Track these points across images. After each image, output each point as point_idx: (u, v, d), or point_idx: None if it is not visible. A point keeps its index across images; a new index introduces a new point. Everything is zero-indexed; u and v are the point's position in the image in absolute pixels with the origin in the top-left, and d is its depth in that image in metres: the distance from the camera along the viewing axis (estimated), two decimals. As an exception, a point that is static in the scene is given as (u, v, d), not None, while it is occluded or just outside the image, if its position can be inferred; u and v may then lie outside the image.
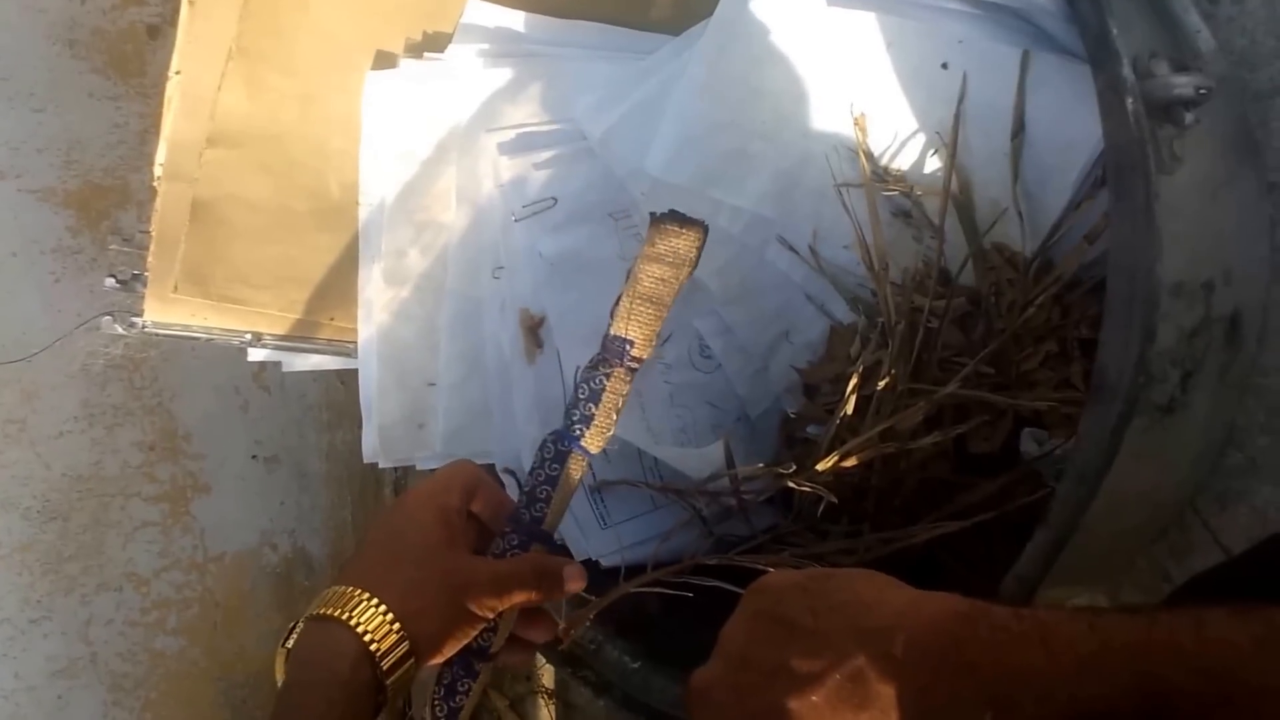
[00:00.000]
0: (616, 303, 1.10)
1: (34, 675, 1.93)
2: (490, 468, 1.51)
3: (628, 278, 1.10)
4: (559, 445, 1.14)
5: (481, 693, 1.18)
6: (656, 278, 1.07)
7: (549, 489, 1.14)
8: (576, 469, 1.14)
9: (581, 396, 1.12)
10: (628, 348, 1.09)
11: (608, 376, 1.11)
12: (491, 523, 1.17)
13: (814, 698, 0.74)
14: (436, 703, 1.15)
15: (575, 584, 1.13)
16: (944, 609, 0.73)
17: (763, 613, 0.83)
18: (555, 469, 1.14)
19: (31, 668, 1.93)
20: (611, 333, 1.10)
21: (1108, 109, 0.96)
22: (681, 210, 1.11)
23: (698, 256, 1.12)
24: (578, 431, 1.12)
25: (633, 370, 1.11)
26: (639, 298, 1.08)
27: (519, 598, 1.10)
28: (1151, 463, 1.06)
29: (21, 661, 1.92)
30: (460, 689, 1.15)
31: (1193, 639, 0.64)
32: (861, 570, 0.82)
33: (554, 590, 1.12)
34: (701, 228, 1.07)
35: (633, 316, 1.08)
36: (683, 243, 1.07)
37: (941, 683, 0.69)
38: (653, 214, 1.08)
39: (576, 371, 1.15)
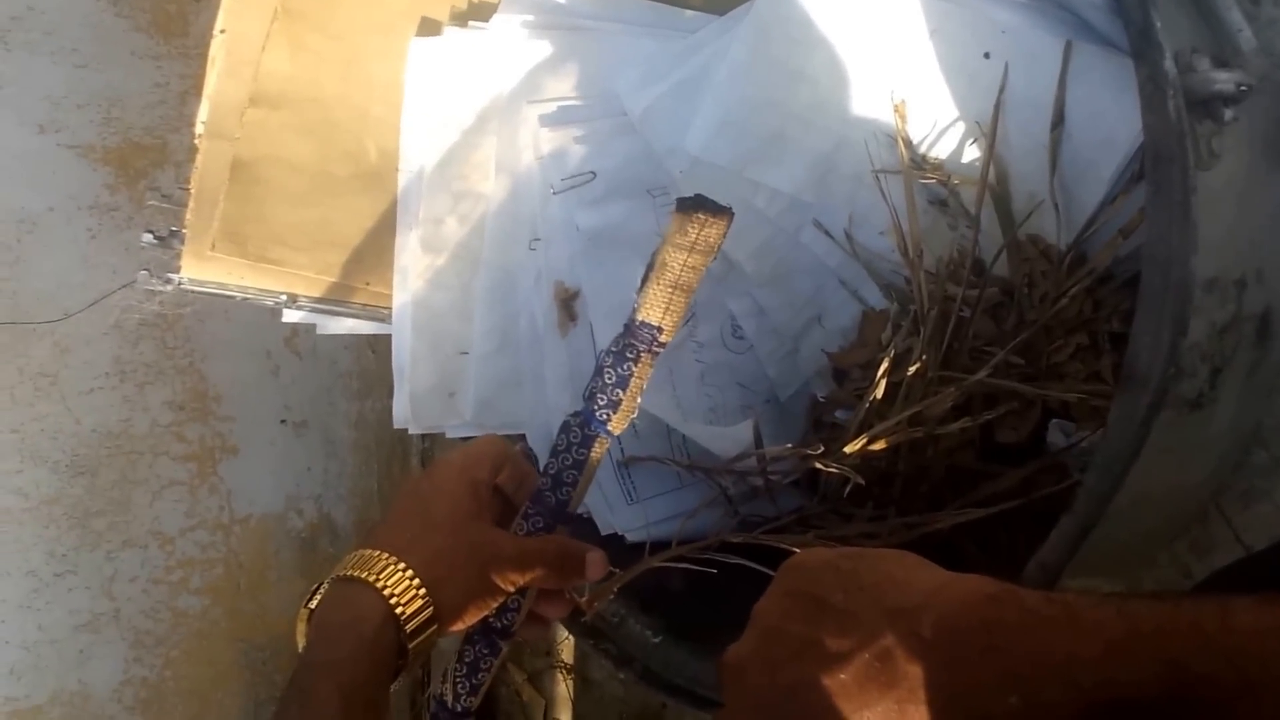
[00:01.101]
0: (642, 288, 1.10)
1: (57, 628, 1.94)
2: (521, 438, 1.51)
3: (652, 265, 1.09)
4: (585, 430, 1.14)
5: (500, 668, 1.18)
6: (686, 265, 1.07)
7: (575, 473, 1.15)
8: (600, 451, 1.15)
9: (609, 381, 1.12)
10: (656, 334, 1.09)
11: (635, 362, 1.10)
12: (515, 498, 1.17)
13: (842, 675, 0.74)
14: (459, 679, 1.16)
15: (595, 571, 1.14)
16: (974, 591, 0.74)
17: (795, 590, 0.83)
18: (582, 454, 1.14)
19: (55, 621, 1.94)
20: (639, 319, 1.09)
21: (1148, 101, 0.96)
22: (713, 194, 1.10)
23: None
24: (604, 416, 1.12)
25: (657, 355, 1.11)
26: (669, 285, 1.08)
27: (540, 576, 1.11)
28: (1177, 457, 1.06)
29: (45, 614, 1.93)
30: (483, 666, 1.16)
31: (1219, 626, 0.64)
32: (893, 551, 0.83)
33: (574, 574, 1.14)
34: (729, 215, 1.07)
35: (662, 304, 1.08)
36: (712, 231, 1.06)
37: (969, 664, 0.69)
38: (680, 200, 1.08)
39: (600, 354, 1.15)
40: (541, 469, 1.17)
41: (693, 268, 1.07)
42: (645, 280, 1.09)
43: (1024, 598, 0.71)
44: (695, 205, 1.06)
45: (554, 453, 1.15)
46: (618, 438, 1.15)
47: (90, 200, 1.98)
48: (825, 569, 0.83)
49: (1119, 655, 0.65)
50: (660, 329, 1.08)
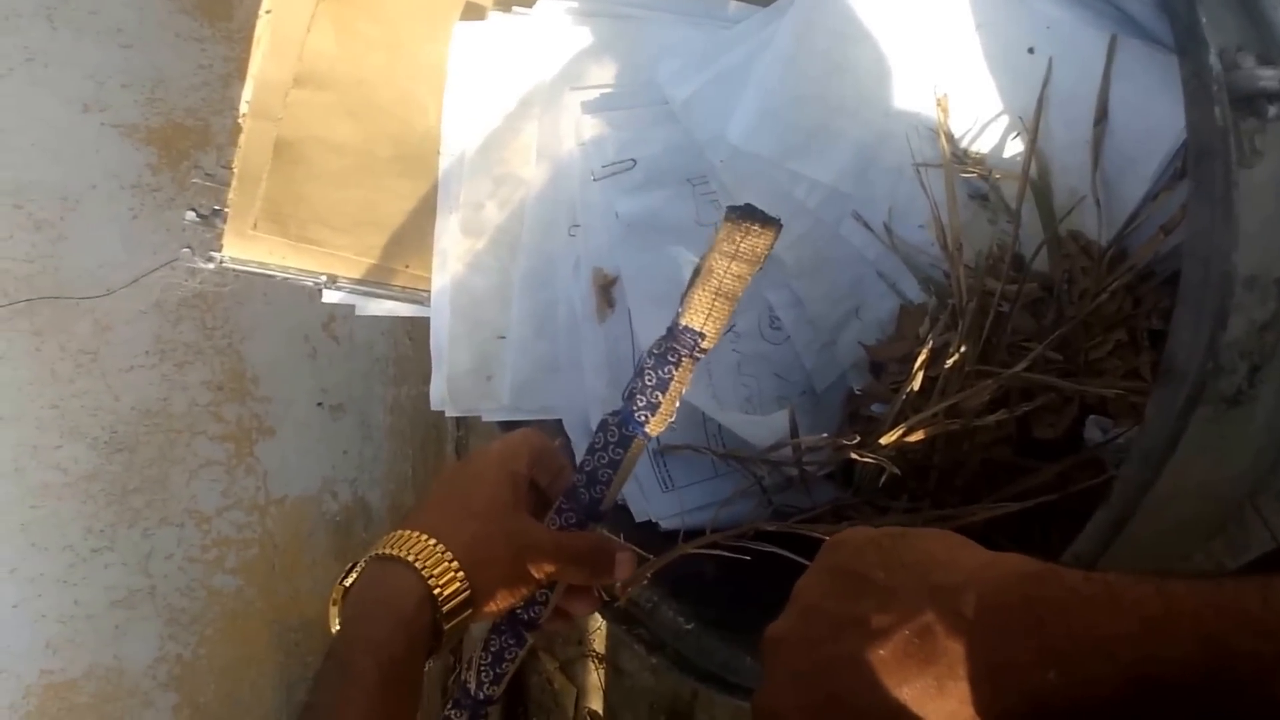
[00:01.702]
0: (687, 293, 1.10)
1: (93, 603, 1.96)
2: (557, 423, 1.52)
3: (698, 270, 1.09)
4: (623, 430, 1.14)
5: (526, 658, 1.19)
6: (733, 274, 1.07)
7: (610, 472, 1.15)
8: (636, 451, 1.15)
9: (649, 383, 1.12)
10: (698, 339, 1.09)
11: (676, 366, 1.11)
12: (550, 492, 1.18)
13: (882, 651, 0.74)
14: (483, 668, 1.17)
15: (624, 570, 1.15)
16: (1015, 569, 0.74)
17: (837, 567, 0.83)
18: (619, 453, 1.14)
19: (91, 596, 1.96)
20: (683, 324, 1.09)
21: (1192, 98, 0.95)
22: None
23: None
24: (643, 418, 1.12)
25: (698, 359, 1.12)
26: (715, 293, 1.08)
27: (572, 571, 1.12)
28: (1214, 454, 1.06)
29: (82, 589, 1.95)
30: (507, 656, 1.17)
31: (1259, 605, 0.64)
32: (936, 530, 0.83)
33: (604, 572, 1.14)
34: (777, 227, 1.07)
35: (711, 312, 1.08)
36: (760, 242, 1.06)
37: (1009, 641, 0.69)
38: (730, 208, 1.08)
39: (640, 355, 1.15)
40: (577, 465, 1.17)
41: (738, 276, 1.07)
42: (690, 285, 1.09)
43: (1064, 576, 0.71)
44: (745, 214, 1.06)
45: (590, 450, 1.16)
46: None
47: (133, 179, 1.99)
48: (867, 546, 0.83)
49: (1158, 632, 0.65)
50: (702, 334, 1.08)
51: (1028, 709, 0.68)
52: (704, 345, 1.09)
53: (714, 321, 1.08)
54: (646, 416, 1.11)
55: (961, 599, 0.73)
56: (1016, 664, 0.69)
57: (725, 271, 1.06)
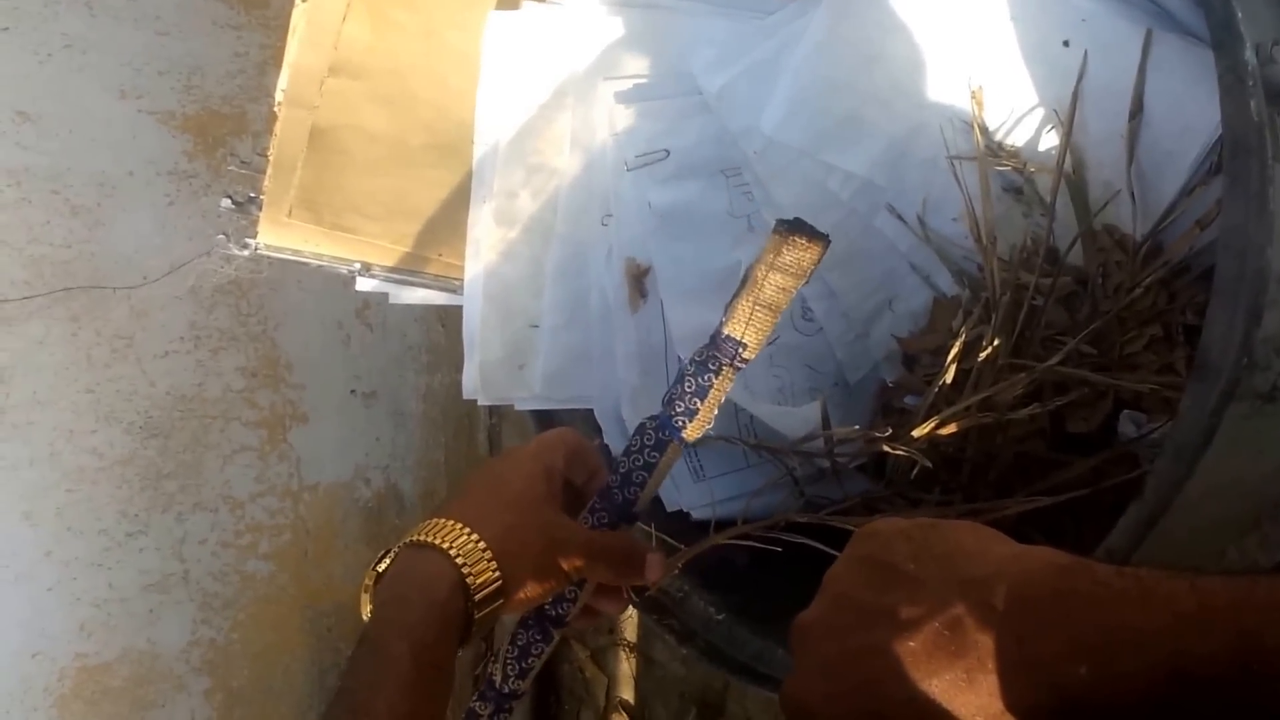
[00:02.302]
0: (731, 304, 1.10)
1: (127, 587, 1.97)
2: (588, 414, 1.52)
3: (745, 280, 1.09)
4: (660, 434, 1.14)
5: (552, 654, 1.20)
6: (779, 287, 1.07)
7: (645, 474, 1.15)
8: (672, 456, 1.16)
9: (688, 390, 1.12)
10: (740, 349, 1.09)
11: (716, 374, 1.11)
12: (585, 490, 1.19)
13: (911, 642, 0.75)
14: (509, 662, 1.18)
15: (654, 573, 1.15)
16: (1046, 562, 0.73)
17: (867, 557, 0.84)
18: (654, 457, 1.14)
19: (125, 580, 1.97)
20: (725, 333, 1.09)
21: (1228, 92, 0.95)
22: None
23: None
24: (680, 423, 1.13)
25: (739, 369, 1.12)
26: (760, 305, 1.08)
27: (603, 569, 1.12)
28: (1248, 450, 1.06)
29: (116, 573, 1.96)
30: (534, 652, 1.18)
31: None
32: (967, 522, 0.83)
33: (634, 573, 1.14)
34: (825, 242, 1.07)
35: (751, 322, 1.08)
36: (807, 256, 1.06)
37: (1040, 634, 0.69)
38: (780, 221, 1.07)
39: (674, 355, 1.15)
40: (612, 466, 1.17)
41: (783, 289, 1.07)
42: (736, 295, 1.09)
43: (1096, 570, 0.70)
44: (794, 227, 1.06)
45: (626, 452, 1.16)
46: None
47: (169, 166, 2.00)
48: (898, 537, 0.83)
49: (1191, 627, 0.65)
50: (744, 344, 1.08)
51: (1058, 703, 0.68)
52: (745, 355, 1.09)
53: (755, 332, 1.08)
54: (684, 422, 1.12)
55: (992, 591, 0.73)
56: (1047, 657, 0.69)
57: (770, 283, 1.06)
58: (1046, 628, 0.69)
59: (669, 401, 1.13)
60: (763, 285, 1.07)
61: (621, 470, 1.15)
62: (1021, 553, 0.77)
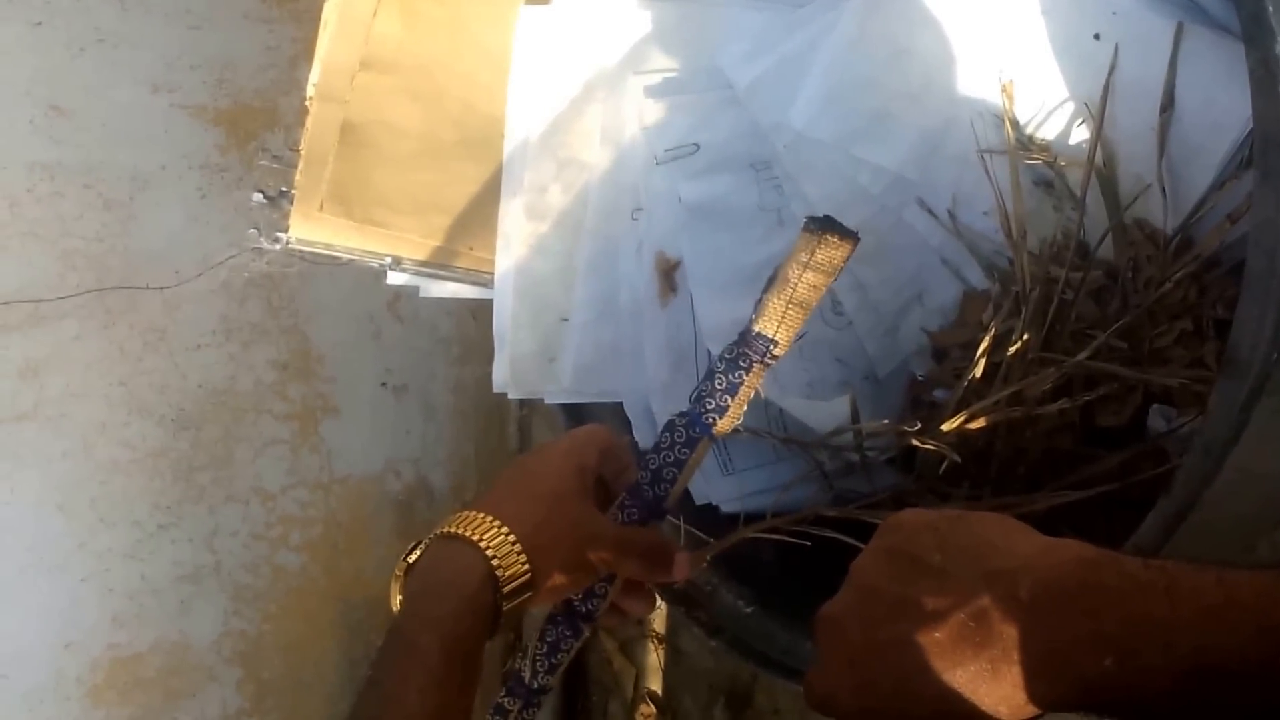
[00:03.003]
0: (762, 300, 1.10)
1: (160, 579, 1.98)
2: (618, 407, 1.52)
3: (774, 278, 1.09)
4: (691, 431, 1.15)
5: (580, 649, 1.21)
6: (811, 285, 1.07)
7: (675, 471, 1.16)
8: (701, 452, 1.16)
9: (719, 387, 1.12)
10: (771, 347, 1.10)
11: (747, 371, 1.11)
12: (615, 487, 1.19)
13: (936, 634, 0.75)
14: (538, 658, 1.18)
15: (682, 571, 1.15)
16: (1072, 555, 0.74)
17: (893, 549, 0.84)
18: (685, 453, 1.15)
19: (158, 571, 1.98)
20: (756, 330, 1.10)
21: (1259, 86, 0.95)
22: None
23: None
24: (710, 420, 1.13)
25: (769, 365, 1.12)
26: (792, 303, 1.08)
27: (632, 565, 1.13)
28: (1278, 446, 1.06)
29: (149, 564, 1.97)
30: (563, 647, 1.18)
31: None
32: (993, 514, 0.83)
33: (663, 571, 1.15)
34: (855, 240, 1.07)
35: (783, 320, 1.09)
36: (838, 254, 1.06)
37: (1064, 626, 0.69)
38: (810, 219, 1.08)
39: (707, 355, 1.16)
40: (641, 463, 1.18)
41: (814, 286, 1.07)
42: (766, 291, 1.10)
43: (1122, 562, 0.70)
44: (825, 226, 1.06)
45: (656, 449, 1.16)
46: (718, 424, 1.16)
47: (201, 160, 2.01)
48: (924, 529, 0.83)
49: (1216, 621, 0.65)
50: (775, 341, 1.09)
51: (1082, 695, 0.69)
52: (775, 352, 1.09)
53: (787, 329, 1.09)
54: (714, 419, 1.12)
55: (1017, 583, 0.73)
56: (1072, 650, 0.69)
57: (801, 281, 1.07)
58: (1072, 620, 0.69)
59: (698, 398, 1.13)
60: (796, 284, 1.07)
61: (652, 467, 1.16)
62: (1048, 545, 0.77)
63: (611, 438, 1.19)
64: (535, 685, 1.18)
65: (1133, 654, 0.66)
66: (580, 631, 1.18)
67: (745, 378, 1.11)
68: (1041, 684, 0.71)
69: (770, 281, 1.09)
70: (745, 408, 1.13)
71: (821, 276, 1.06)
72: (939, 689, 0.75)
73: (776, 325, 1.08)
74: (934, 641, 0.75)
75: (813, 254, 1.06)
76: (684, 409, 1.15)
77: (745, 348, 1.10)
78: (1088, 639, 0.68)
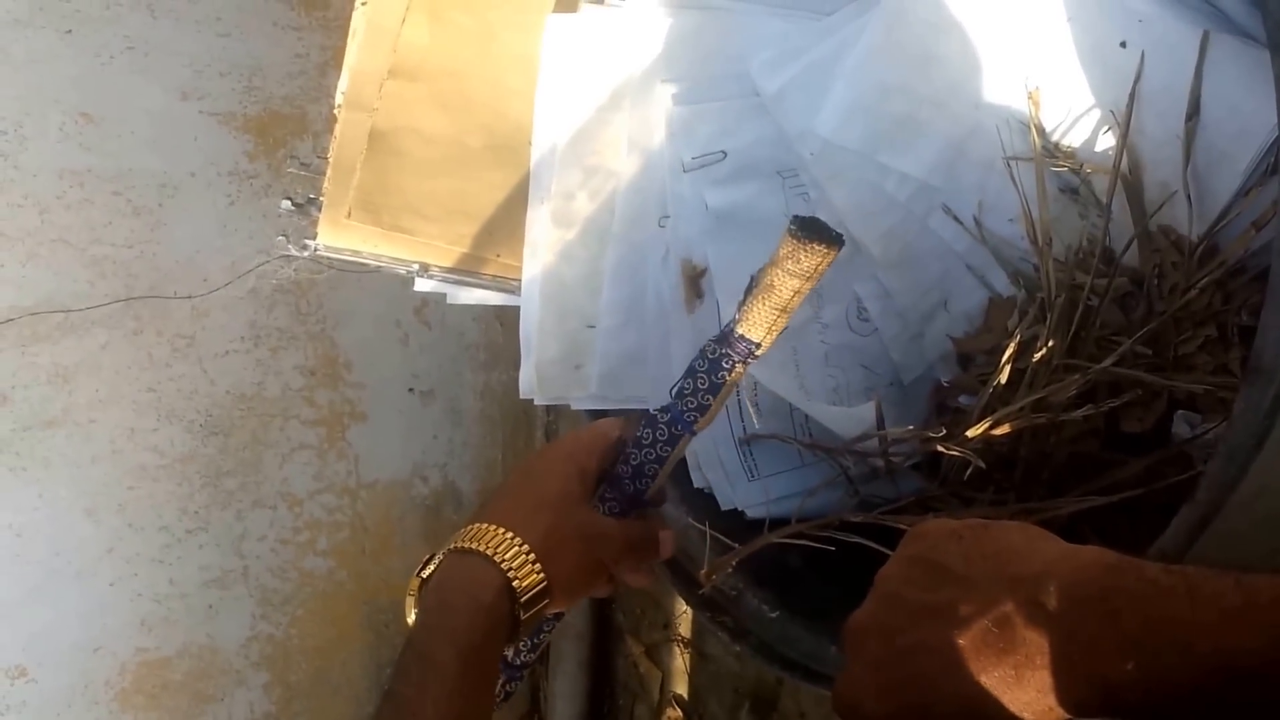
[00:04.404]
0: (744, 303, 1.11)
1: (188, 583, 2.00)
2: (644, 413, 1.53)
3: (757, 282, 1.10)
4: (673, 429, 1.17)
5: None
6: (795, 290, 1.08)
7: (656, 467, 1.19)
8: (681, 448, 1.19)
9: (700, 386, 1.14)
10: (753, 349, 1.11)
11: (729, 372, 1.13)
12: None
13: (960, 640, 0.76)
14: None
15: (666, 550, 1.21)
16: (1094, 560, 0.74)
17: (917, 557, 0.85)
18: (666, 450, 1.18)
19: (186, 576, 1.99)
20: (739, 332, 1.11)
21: (1285, 93, 0.95)
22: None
23: None
24: (692, 418, 1.15)
25: (749, 365, 1.14)
26: (774, 307, 1.09)
27: (631, 556, 1.17)
28: (1304, 452, 1.06)
29: (177, 569, 1.98)
30: (545, 628, 1.22)
31: None
32: (1016, 523, 0.84)
33: (654, 555, 1.21)
34: (839, 244, 1.08)
35: (768, 326, 1.10)
36: (823, 261, 1.07)
37: (1088, 631, 0.70)
38: (797, 219, 1.08)
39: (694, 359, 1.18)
40: (622, 456, 1.20)
41: (799, 293, 1.08)
42: (748, 295, 1.11)
43: (1144, 568, 0.71)
44: (809, 230, 1.06)
45: (637, 444, 1.19)
46: (740, 414, 1.17)
47: (230, 167, 2.02)
48: (948, 537, 0.84)
49: (1237, 624, 0.65)
50: (758, 344, 1.10)
51: (1105, 699, 0.69)
52: (757, 354, 1.11)
53: (771, 334, 1.10)
54: (695, 417, 1.15)
55: (1041, 589, 0.74)
56: (1094, 654, 0.69)
57: (786, 288, 1.08)
58: (1095, 625, 0.70)
59: (679, 395, 1.16)
60: (780, 291, 1.08)
61: (633, 462, 1.19)
62: (1071, 552, 0.77)
63: (614, 438, 1.22)
64: (518, 662, 1.23)
65: (1155, 657, 0.67)
66: (561, 614, 1.21)
67: (727, 379, 1.12)
68: (1065, 688, 0.71)
69: (753, 284, 1.10)
70: (725, 406, 1.15)
71: (805, 283, 1.07)
72: (963, 694, 0.75)
73: (762, 331, 1.10)
74: (958, 647, 0.76)
75: (797, 260, 1.06)
76: (664, 404, 1.18)
77: (728, 349, 1.12)
78: (1110, 643, 0.69)
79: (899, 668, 0.81)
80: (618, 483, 1.19)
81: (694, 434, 1.17)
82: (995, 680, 0.74)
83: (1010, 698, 0.73)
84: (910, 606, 0.82)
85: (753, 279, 1.11)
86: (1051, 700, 0.72)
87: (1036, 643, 0.72)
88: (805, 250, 1.06)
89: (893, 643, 0.82)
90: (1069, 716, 0.73)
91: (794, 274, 1.07)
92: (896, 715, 0.81)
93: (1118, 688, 0.68)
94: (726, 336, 1.12)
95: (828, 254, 1.06)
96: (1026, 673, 0.73)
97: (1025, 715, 0.73)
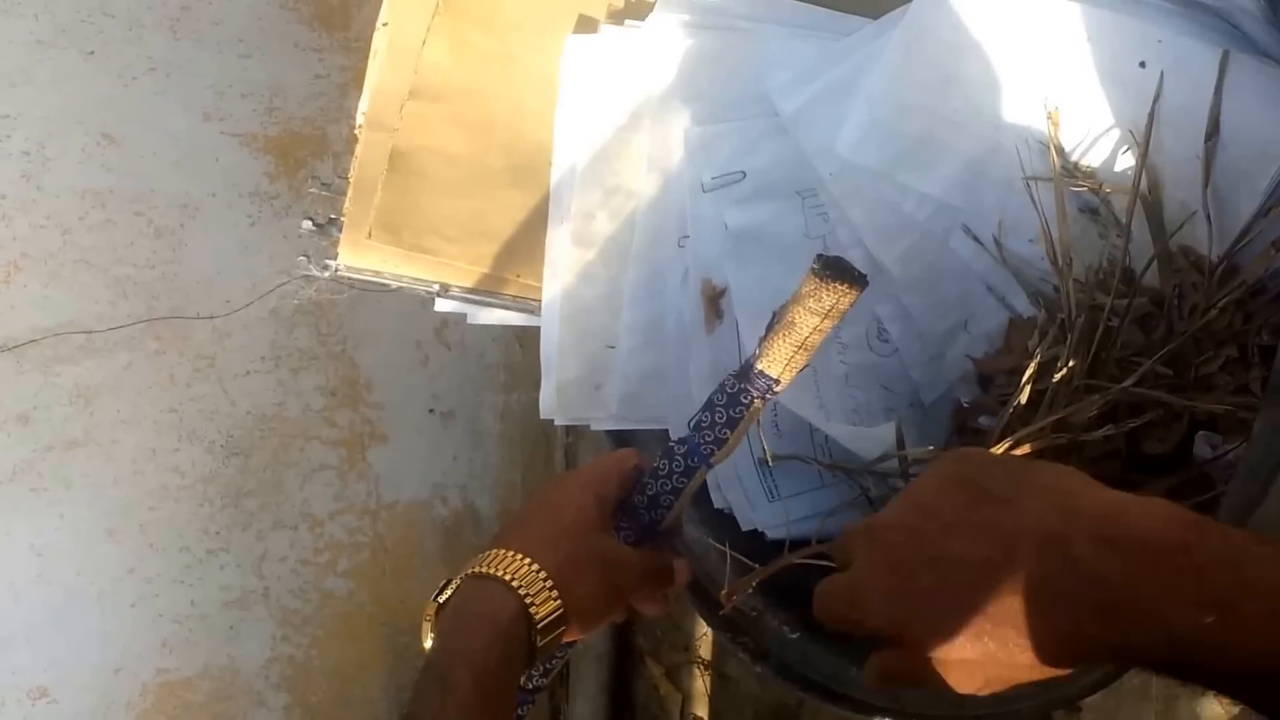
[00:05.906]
0: (766, 339, 1.12)
1: (208, 604, 2.00)
2: (665, 434, 1.53)
3: (779, 318, 1.10)
4: (689, 461, 1.17)
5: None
6: (815, 329, 1.08)
7: (672, 498, 1.19)
8: (698, 480, 1.19)
9: (719, 420, 1.15)
10: (773, 384, 1.11)
11: (747, 408, 1.13)
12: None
13: (997, 557, 0.75)
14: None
15: (682, 579, 1.22)
16: (1173, 514, 0.72)
17: (961, 476, 0.83)
18: (682, 481, 1.18)
19: (206, 596, 1.99)
20: (759, 368, 1.11)
21: (1304, 114, 0.95)
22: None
23: None
24: (708, 450, 1.16)
25: (768, 401, 1.14)
26: (795, 345, 1.09)
27: (647, 585, 1.18)
28: (1324, 472, 1.05)
29: (197, 590, 1.98)
30: (557, 654, 1.20)
31: None
32: (1068, 466, 0.82)
33: (669, 582, 1.21)
34: (864, 284, 1.08)
35: (787, 363, 1.10)
36: (846, 300, 1.07)
37: (1161, 579, 0.68)
38: (821, 258, 1.08)
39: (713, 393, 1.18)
40: (639, 486, 1.20)
41: (820, 330, 1.08)
42: (770, 332, 1.11)
43: (1227, 530, 0.70)
44: (833, 269, 1.06)
45: (654, 474, 1.20)
46: (760, 436, 1.18)
47: (251, 188, 2.03)
48: (996, 464, 0.84)
49: None
50: (778, 381, 1.11)
51: (1165, 648, 0.68)
52: (776, 390, 1.11)
53: (792, 371, 1.11)
54: (712, 450, 1.16)
55: (1106, 526, 0.72)
56: (1165, 603, 0.68)
57: (809, 327, 1.08)
58: (1172, 575, 0.68)
59: (696, 428, 1.16)
60: (801, 329, 1.08)
61: (649, 493, 1.19)
62: (1140, 500, 0.75)
63: (631, 469, 1.22)
64: (530, 686, 1.22)
65: (1234, 611, 0.66)
66: (574, 641, 1.20)
67: (745, 414, 1.13)
68: (1112, 629, 0.70)
69: (775, 320, 1.10)
70: (743, 438, 1.15)
71: (828, 322, 1.08)
72: (986, 611, 0.74)
73: (780, 367, 1.10)
74: (993, 563, 0.75)
75: (819, 298, 1.07)
76: (682, 435, 1.18)
77: (747, 384, 1.13)
78: (1188, 597, 0.67)
79: (921, 575, 0.79)
80: (634, 512, 1.20)
81: (710, 467, 1.18)
82: (1029, 605, 0.73)
83: (1039, 625, 0.72)
84: (944, 519, 0.80)
85: (774, 315, 1.11)
86: (1093, 632, 0.70)
87: (1090, 577, 0.70)
88: (827, 289, 1.06)
89: (919, 549, 0.80)
90: (1103, 661, 0.72)
91: (815, 311, 1.07)
92: (903, 622, 0.80)
93: (1184, 639, 0.67)
94: (746, 371, 1.12)
95: (849, 293, 1.07)
96: (1063, 604, 0.71)
97: (1047, 648, 0.72)
